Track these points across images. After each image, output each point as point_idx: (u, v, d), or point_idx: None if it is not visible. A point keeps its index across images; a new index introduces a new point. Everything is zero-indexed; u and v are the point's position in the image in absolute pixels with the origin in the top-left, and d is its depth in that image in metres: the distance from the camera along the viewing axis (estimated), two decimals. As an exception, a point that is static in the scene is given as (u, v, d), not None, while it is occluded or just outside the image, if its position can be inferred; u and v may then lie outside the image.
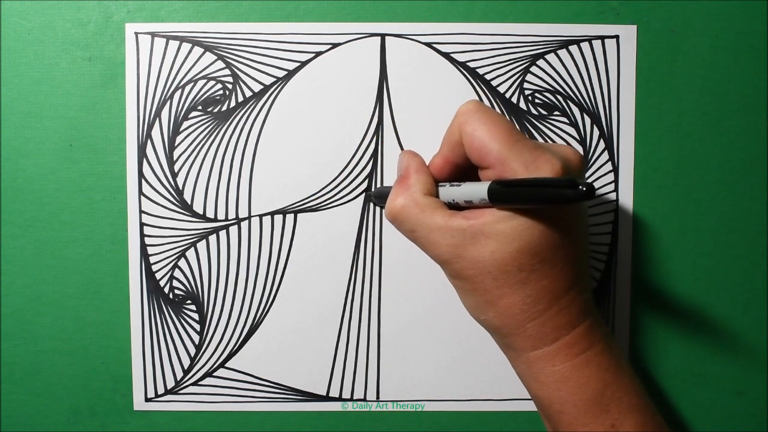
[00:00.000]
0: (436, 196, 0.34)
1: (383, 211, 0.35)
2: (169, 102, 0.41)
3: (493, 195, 0.30)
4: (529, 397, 0.42)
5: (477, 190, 0.31)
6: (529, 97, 0.42)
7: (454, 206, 0.33)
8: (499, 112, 0.33)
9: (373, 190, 0.42)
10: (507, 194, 0.30)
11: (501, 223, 0.31)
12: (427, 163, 0.36)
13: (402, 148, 0.42)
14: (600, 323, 0.33)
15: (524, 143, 0.31)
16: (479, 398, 0.42)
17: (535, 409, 0.42)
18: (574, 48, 0.41)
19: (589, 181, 0.42)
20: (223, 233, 0.42)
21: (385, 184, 0.42)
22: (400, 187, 0.34)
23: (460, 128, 0.33)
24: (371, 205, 0.42)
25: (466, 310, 0.34)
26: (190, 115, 0.41)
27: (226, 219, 0.42)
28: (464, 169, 0.34)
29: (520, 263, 0.31)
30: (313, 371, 0.42)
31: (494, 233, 0.31)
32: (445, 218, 0.32)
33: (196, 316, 0.42)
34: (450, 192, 0.34)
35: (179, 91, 0.41)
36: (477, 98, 0.34)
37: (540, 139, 0.42)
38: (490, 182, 0.31)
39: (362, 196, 0.42)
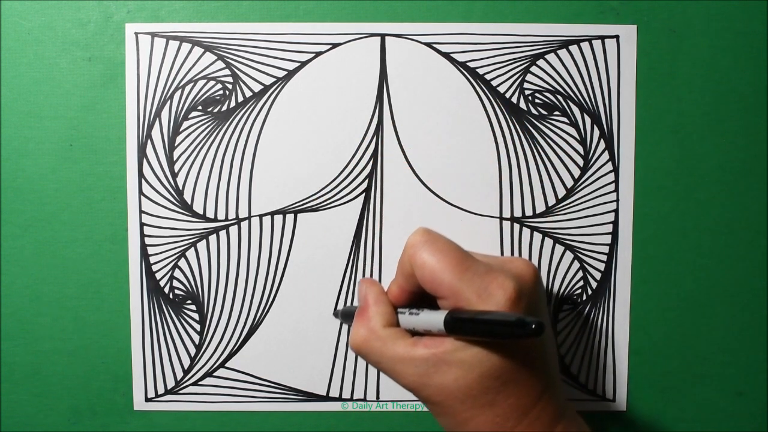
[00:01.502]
0: (397, 324, 0.35)
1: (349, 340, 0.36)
2: (169, 102, 0.41)
3: (448, 327, 0.31)
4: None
5: (434, 320, 0.32)
6: (529, 97, 0.42)
7: (416, 332, 0.34)
8: (447, 241, 0.35)
9: (340, 308, 0.42)
10: (461, 327, 0.31)
11: (461, 351, 0.31)
12: (385, 290, 0.37)
13: (402, 148, 0.42)
14: (574, 421, 0.34)
15: (475, 270, 0.32)
16: (479, 398, 0.42)
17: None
18: (574, 48, 0.41)
19: (588, 184, 0.42)
20: (223, 233, 0.42)
21: (352, 304, 0.42)
22: (360, 319, 0.35)
23: (411, 261, 0.34)
24: (371, 204, 0.42)
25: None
26: (190, 115, 0.41)
27: (226, 219, 0.42)
28: (423, 294, 0.35)
29: (484, 387, 0.31)
30: (313, 371, 0.42)
31: (456, 361, 0.31)
32: (407, 349, 0.33)
33: (196, 316, 0.42)
34: (410, 320, 0.34)
35: (179, 91, 0.41)
36: (424, 227, 0.35)
37: (540, 140, 0.42)
38: (446, 313, 0.32)
39: (362, 196, 0.42)
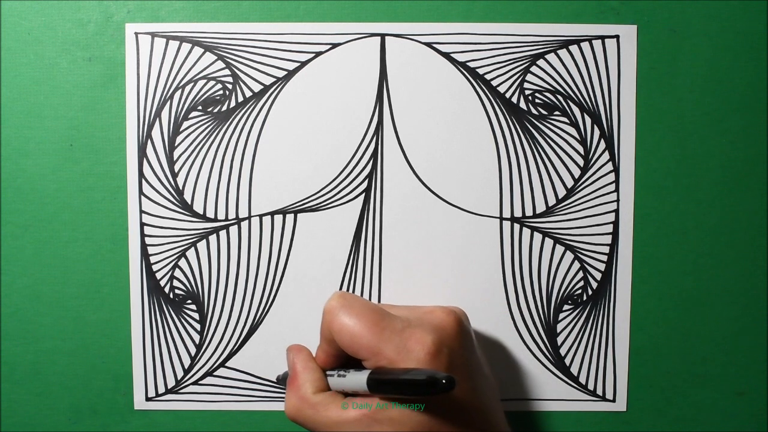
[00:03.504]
0: (327, 388, 0.35)
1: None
2: (169, 102, 0.41)
3: (371, 388, 0.32)
4: (530, 398, 0.42)
5: (359, 381, 0.32)
6: (530, 97, 0.42)
7: (347, 393, 0.34)
8: (366, 302, 0.35)
9: (280, 375, 0.42)
10: (383, 386, 0.31)
11: (389, 410, 0.32)
12: (313, 354, 0.37)
13: (402, 148, 0.42)
14: None
15: (392, 328, 0.33)
16: (479, 398, 0.42)
17: (535, 410, 0.42)
18: (574, 48, 0.41)
19: (586, 187, 0.42)
20: (223, 233, 0.42)
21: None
22: (291, 388, 0.36)
23: (329, 327, 0.34)
24: (371, 204, 0.42)
25: None
26: (190, 115, 0.41)
27: (226, 219, 0.42)
28: (348, 355, 0.35)
29: None
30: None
31: (386, 420, 0.32)
32: (339, 412, 0.33)
33: (196, 315, 0.42)
34: (339, 382, 0.35)
35: (179, 91, 0.41)
36: (341, 291, 0.36)
37: (540, 140, 0.42)
38: (368, 374, 0.32)
39: (362, 196, 0.42)
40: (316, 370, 0.36)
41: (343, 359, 0.36)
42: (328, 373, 0.36)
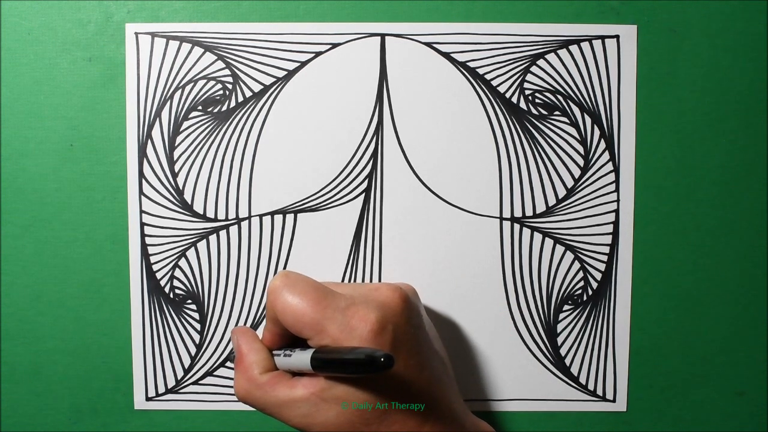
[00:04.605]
0: (275, 368, 0.35)
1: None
2: (169, 102, 0.41)
3: (315, 367, 0.32)
4: (530, 398, 0.42)
5: (304, 360, 0.32)
6: (530, 97, 0.42)
7: (295, 373, 0.34)
8: (308, 282, 0.35)
9: (229, 354, 0.42)
10: (326, 365, 0.31)
11: (335, 388, 0.32)
12: (260, 336, 0.37)
13: (402, 148, 0.42)
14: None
15: (336, 306, 0.32)
16: (478, 398, 0.43)
17: (535, 410, 0.43)
18: (574, 48, 0.41)
19: (586, 187, 0.42)
20: (223, 233, 0.42)
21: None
22: (238, 369, 0.35)
23: (273, 306, 0.34)
24: (371, 204, 0.42)
25: None
26: (190, 115, 0.41)
27: (226, 219, 0.42)
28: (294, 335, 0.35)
29: (365, 419, 0.32)
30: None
31: (333, 398, 0.32)
32: (287, 392, 0.33)
33: (196, 315, 0.42)
34: (285, 362, 0.34)
35: (179, 91, 0.41)
36: (286, 270, 0.35)
37: (540, 140, 0.42)
38: (312, 353, 0.32)
39: (362, 196, 0.42)
40: (261, 351, 0.36)
41: (290, 339, 0.35)
42: (274, 353, 0.36)
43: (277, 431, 0.42)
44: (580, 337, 0.42)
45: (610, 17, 0.41)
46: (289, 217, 0.42)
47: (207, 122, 0.41)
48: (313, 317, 0.32)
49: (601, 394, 0.43)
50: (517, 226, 0.42)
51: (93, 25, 0.41)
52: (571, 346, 0.43)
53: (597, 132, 0.42)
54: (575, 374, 0.43)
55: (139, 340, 0.42)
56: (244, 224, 0.42)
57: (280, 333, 0.35)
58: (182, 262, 0.42)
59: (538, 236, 0.42)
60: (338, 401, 0.32)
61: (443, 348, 0.39)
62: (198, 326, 0.42)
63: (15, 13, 0.41)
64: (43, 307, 0.42)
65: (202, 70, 0.41)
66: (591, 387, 0.43)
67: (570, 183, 0.42)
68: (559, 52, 0.41)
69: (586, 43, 0.41)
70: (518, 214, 0.42)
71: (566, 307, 0.42)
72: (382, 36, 0.41)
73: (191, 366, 0.42)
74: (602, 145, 0.42)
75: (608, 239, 0.42)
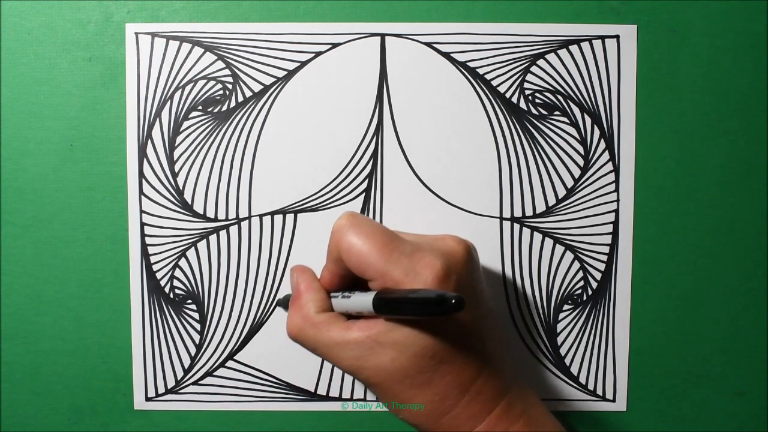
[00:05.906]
0: (331, 309, 0.35)
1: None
2: (169, 102, 0.41)
3: (377, 308, 0.31)
4: (529, 397, 0.42)
5: (365, 302, 0.32)
6: (530, 97, 0.42)
7: (351, 315, 0.34)
8: (377, 222, 0.35)
9: (281, 297, 0.42)
10: (389, 307, 0.31)
11: (394, 331, 0.31)
12: (318, 276, 0.37)
13: (402, 148, 0.42)
14: (521, 396, 0.34)
15: (402, 250, 0.32)
16: (479, 398, 0.43)
17: (535, 409, 0.42)
18: (574, 48, 0.41)
19: (586, 187, 0.42)
20: (223, 233, 0.42)
21: (290, 292, 0.41)
22: (294, 307, 0.35)
23: (337, 246, 0.34)
24: (371, 204, 0.42)
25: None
26: (190, 115, 0.41)
27: (227, 219, 0.42)
28: (355, 276, 0.34)
29: (420, 367, 0.31)
30: (313, 371, 0.42)
31: (389, 342, 0.31)
32: (342, 333, 0.33)
33: (196, 315, 0.42)
34: (342, 303, 0.34)
35: (179, 91, 0.41)
36: (351, 210, 0.35)
37: (540, 140, 0.42)
38: (374, 294, 0.32)
39: (362, 196, 0.42)
40: (319, 290, 0.36)
41: (348, 282, 0.35)
42: (332, 294, 0.36)
43: (278, 431, 0.42)
44: (579, 336, 0.43)
45: (610, 17, 0.41)
46: (289, 217, 0.42)
47: (207, 122, 0.41)
48: (378, 260, 0.32)
49: (600, 394, 0.43)
50: (517, 226, 0.42)
51: (93, 25, 0.41)
52: (571, 346, 0.43)
53: (597, 132, 0.42)
54: (575, 374, 0.43)
55: (138, 340, 0.42)
56: (244, 224, 0.42)
57: (340, 274, 0.35)
58: (182, 262, 0.42)
59: (538, 236, 0.42)
60: (395, 345, 0.31)
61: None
62: (198, 326, 0.42)
63: (15, 13, 0.41)
64: (43, 307, 0.42)
65: (202, 70, 0.41)
66: (591, 386, 0.43)
67: (570, 183, 0.42)
68: (559, 52, 0.42)
69: (586, 43, 0.41)
70: (518, 214, 0.42)
71: (566, 306, 0.42)
72: (382, 36, 0.41)
73: (191, 366, 0.42)
74: (602, 145, 0.42)
75: (608, 239, 0.42)
